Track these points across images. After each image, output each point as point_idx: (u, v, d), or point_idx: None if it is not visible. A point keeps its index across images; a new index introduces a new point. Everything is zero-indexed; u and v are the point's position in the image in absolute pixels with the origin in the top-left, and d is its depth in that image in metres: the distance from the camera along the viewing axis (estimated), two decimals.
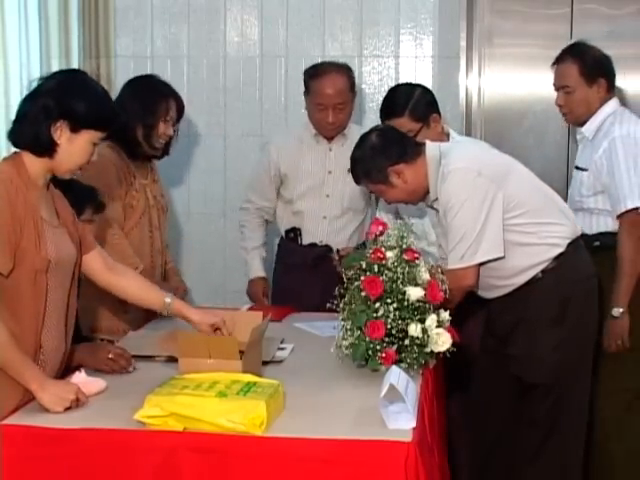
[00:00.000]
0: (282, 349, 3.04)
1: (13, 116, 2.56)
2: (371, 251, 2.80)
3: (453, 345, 2.71)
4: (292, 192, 3.98)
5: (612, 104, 3.66)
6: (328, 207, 3.97)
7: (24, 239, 2.43)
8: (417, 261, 2.79)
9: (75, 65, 4.49)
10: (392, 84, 4.63)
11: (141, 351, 2.95)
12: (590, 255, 3.33)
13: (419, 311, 2.71)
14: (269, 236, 4.15)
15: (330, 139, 3.97)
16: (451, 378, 3.24)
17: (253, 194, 4.06)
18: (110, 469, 2.27)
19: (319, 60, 4.14)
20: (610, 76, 3.68)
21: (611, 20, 4.67)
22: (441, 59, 4.67)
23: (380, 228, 2.89)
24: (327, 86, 3.81)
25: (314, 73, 3.88)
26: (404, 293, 2.71)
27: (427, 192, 3.15)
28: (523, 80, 4.77)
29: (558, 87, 3.67)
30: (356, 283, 2.77)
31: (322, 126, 3.90)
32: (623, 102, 3.73)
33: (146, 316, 3.35)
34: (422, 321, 2.70)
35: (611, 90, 3.68)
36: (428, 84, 4.14)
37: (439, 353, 2.72)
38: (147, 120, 3.45)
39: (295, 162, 3.96)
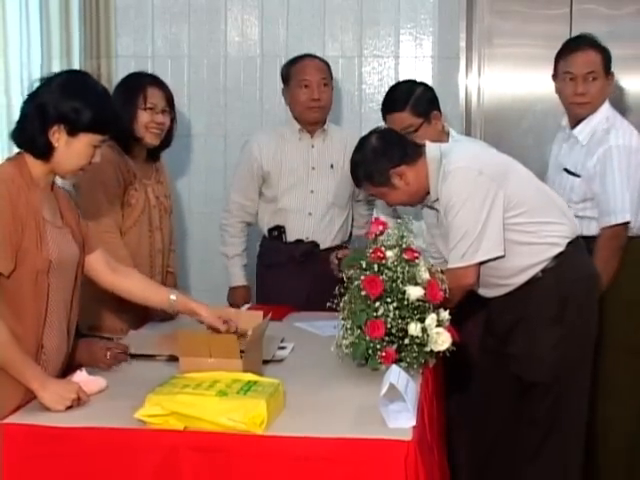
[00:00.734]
0: (282, 348, 3.04)
1: (14, 116, 2.56)
2: (371, 250, 2.81)
3: (453, 344, 2.71)
4: (275, 189, 3.97)
5: (607, 106, 3.65)
6: (313, 203, 3.97)
7: (25, 239, 2.43)
8: (417, 260, 2.79)
9: (76, 65, 4.49)
10: (392, 84, 4.64)
11: (142, 350, 2.95)
12: None
13: (419, 310, 2.72)
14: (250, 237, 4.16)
15: (312, 133, 3.97)
16: (451, 377, 3.24)
17: (235, 194, 4.06)
18: (111, 468, 2.27)
19: None
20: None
21: (610, 20, 4.67)
22: (441, 59, 4.67)
23: (380, 228, 2.89)
24: (310, 65, 3.91)
25: (294, 61, 3.96)
26: (404, 292, 2.71)
27: (427, 193, 3.15)
28: (523, 80, 4.78)
29: (579, 74, 3.59)
30: (356, 282, 2.77)
31: (308, 107, 3.90)
32: (622, 102, 3.72)
33: (145, 315, 3.34)
34: (422, 320, 2.70)
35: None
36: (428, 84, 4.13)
37: (439, 352, 2.72)
38: (126, 112, 3.36)
39: (277, 159, 3.96)
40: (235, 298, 3.97)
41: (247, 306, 3.65)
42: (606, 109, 3.63)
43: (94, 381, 2.56)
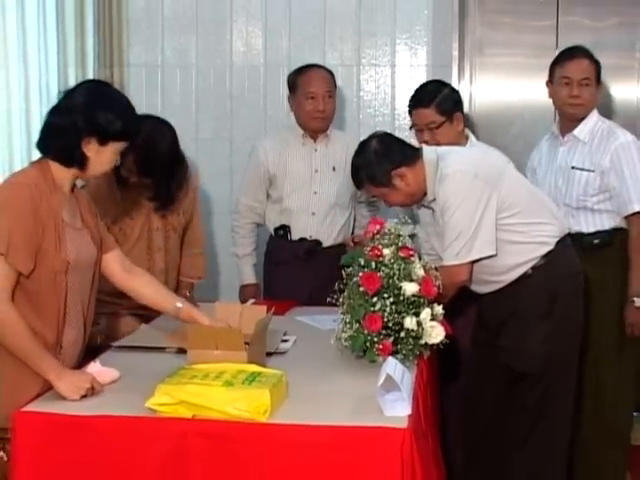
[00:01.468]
0: (285, 341, 3.04)
1: (33, 122, 2.55)
2: (369, 249, 2.80)
3: (446, 337, 2.71)
4: (281, 191, 3.97)
5: (596, 111, 3.70)
6: (316, 204, 3.97)
7: (45, 241, 2.43)
8: (412, 258, 2.79)
9: (90, 72, 4.49)
10: (388, 92, 4.66)
11: (153, 343, 2.95)
12: (587, 252, 3.36)
13: (414, 305, 2.71)
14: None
15: (315, 139, 3.98)
16: (444, 368, 3.24)
17: (244, 196, 4.06)
18: (123, 453, 2.27)
19: None
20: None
21: (594, 32, 4.68)
22: (435, 68, 4.67)
23: (378, 227, 2.88)
24: (316, 77, 3.89)
25: (300, 71, 3.95)
26: (400, 288, 2.71)
27: (425, 194, 3.15)
28: (512, 88, 4.77)
29: (574, 80, 3.64)
30: (355, 279, 2.77)
31: (313, 117, 3.91)
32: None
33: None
34: (417, 315, 2.69)
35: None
36: None
37: (433, 345, 2.72)
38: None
39: (283, 162, 3.97)
40: (246, 295, 3.97)
41: (252, 301, 3.64)
42: (596, 113, 3.70)
43: (107, 372, 2.55)
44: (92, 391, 2.42)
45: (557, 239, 3.19)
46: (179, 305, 2.77)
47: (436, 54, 4.66)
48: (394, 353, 2.67)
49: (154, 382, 2.33)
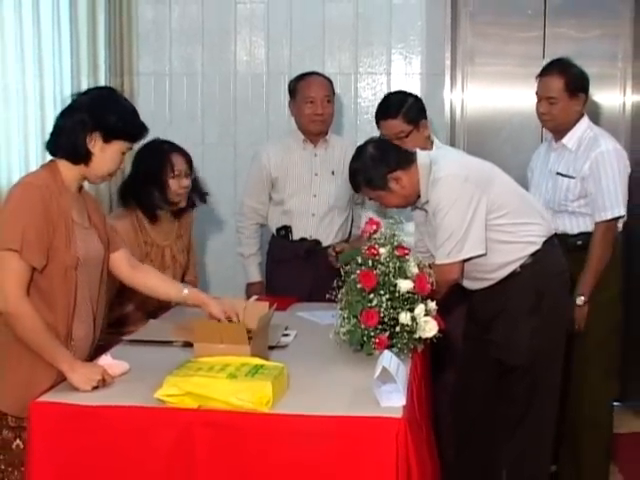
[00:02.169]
0: (286, 335, 3.03)
1: (48, 127, 2.55)
2: (366, 248, 2.80)
3: (439, 332, 2.70)
4: (282, 193, 3.97)
5: (586, 119, 3.68)
6: (316, 206, 3.97)
7: (56, 239, 2.43)
8: (407, 257, 2.79)
9: (102, 81, 4.48)
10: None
11: (160, 337, 2.94)
12: (571, 252, 3.36)
13: (409, 301, 2.71)
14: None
15: (315, 143, 3.97)
16: (437, 361, 3.23)
17: (248, 198, 4.06)
18: (132, 442, 2.27)
19: None
20: (587, 92, 3.68)
21: (578, 42, 4.70)
22: (428, 76, 4.66)
23: (374, 227, 2.88)
24: (315, 83, 3.90)
25: (300, 77, 3.95)
26: (395, 285, 2.70)
27: (419, 196, 3.14)
28: (501, 95, 4.78)
29: (542, 97, 3.64)
30: (352, 276, 2.76)
31: (311, 120, 3.90)
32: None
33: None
34: (411, 310, 2.69)
35: (585, 104, 3.68)
36: None
37: (426, 339, 2.71)
38: (157, 182, 3.36)
39: (284, 166, 3.96)
40: (251, 292, 3.96)
41: (255, 297, 3.64)
42: (586, 122, 3.66)
43: (118, 365, 2.55)
44: (103, 382, 2.42)
45: (544, 239, 3.18)
46: (186, 292, 2.80)
47: (429, 63, 4.65)
48: (390, 347, 2.66)
49: (162, 374, 2.33)
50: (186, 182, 3.43)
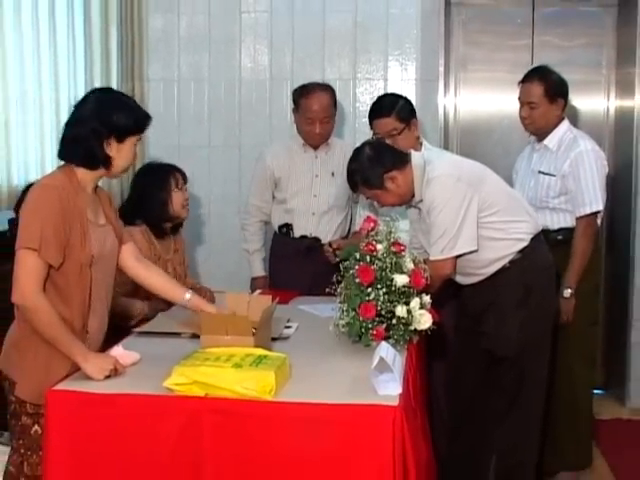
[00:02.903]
0: (288, 327, 3.03)
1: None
2: (364, 244, 2.79)
3: (433, 324, 2.70)
4: (285, 193, 3.97)
5: (566, 122, 3.71)
6: (316, 205, 3.96)
7: (72, 238, 2.43)
8: (403, 253, 2.78)
9: (114, 87, 4.47)
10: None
11: (169, 329, 2.94)
12: (553, 247, 3.36)
13: (405, 295, 2.70)
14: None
15: (316, 148, 3.96)
16: (431, 352, 3.23)
17: (253, 197, 4.06)
18: (143, 428, 2.27)
19: None
20: (567, 97, 3.69)
21: (564, 50, 4.72)
22: (423, 82, 4.65)
23: (372, 225, 2.88)
24: (314, 103, 3.83)
25: (303, 92, 3.89)
26: (392, 280, 2.70)
27: (413, 195, 3.13)
28: (492, 100, 4.78)
29: (524, 102, 3.66)
30: (351, 271, 2.76)
31: (310, 137, 3.90)
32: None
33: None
34: (407, 303, 2.68)
35: (565, 109, 3.70)
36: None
37: (421, 331, 2.71)
38: (162, 196, 3.38)
39: (286, 168, 3.96)
40: (256, 286, 3.95)
41: (259, 291, 3.63)
42: (566, 124, 3.69)
43: (129, 355, 2.55)
44: (115, 372, 2.42)
45: (532, 235, 3.18)
46: (187, 297, 2.77)
47: (424, 69, 4.65)
48: (386, 338, 2.66)
49: (171, 364, 2.32)
50: (186, 195, 3.48)
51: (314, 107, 3.83)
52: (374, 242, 2.78)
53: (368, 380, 2.30)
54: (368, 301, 2.68)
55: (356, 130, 4.64)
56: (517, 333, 3.13)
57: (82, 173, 2.50)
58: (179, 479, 2.26)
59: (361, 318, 2.68)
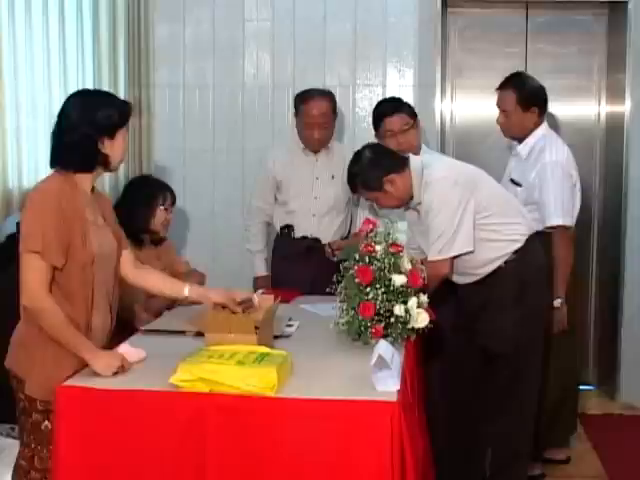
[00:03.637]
0: (290, 326, 3.02)
1: None
2: (363, 245, 2.79)
3: (430, 322, 2.69)
4: (286, 195, 3.97)
5: (543, 128, 3.62)
6: (316, 207, 3.96)
7: (73, 238, 2.43)
8: (401, 253, 2.78)
9: (121, 92, 4.46)
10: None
11: (174, 327, 2.94)
12: None
13: (402, 294, 2.70)
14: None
15: (316, 152, 3.95)
16: (428, 350, 3.22)
17: (256, 199, 4.08)
18: (148, 423, 2.27)
19: None
20: (543, 104, 3.63)
21: (557, 57, 4.72)
22: (420, 87, 4.64)
23: (370, 226, 2.87)
24: (314, 108, 3.83)
25: (303, 98, 3.89)
26: (390, 280, 2.70)
27: (412, 198, 3.13)
28: (487, 106, 4.70)
29: (499, 109, 3.65)
30: (351, 271, 2.76)
31: (309, 141, 3.91)
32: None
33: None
34: (405, 303, 2.68)
35: (542, 115, 3.64)
36: None
37: (419, 329, 2.70)
38: (147, 208, 3.43)
39: (288, 170, 3.96)
40: (258, 285, 3.96)
41: (261, 291, 3.63)
42: (542, 130, 3.61)
43: (136, 352, 2.55)
44: (122, 369, 2.42)
45: (526, 237, 3.18)
46: (187, 288, 2.76)
47: (421, 76, 4.64)
48: (385, 336, 2.65)
49: (176, 361, 2.32)
50: (170, 217, 3.53)
51: (313, 112, 3.82)
52: (373, 243, 2.78)
53: (367, 377, 2.30)
54: (367, 300, 2.68)
55: (355, 135, 4.63)
56: (512, 330, 3.13)
57: (79, 176, 2.50)
58: (184, 471, 2.26)
59: (360, 317, 2.67)
